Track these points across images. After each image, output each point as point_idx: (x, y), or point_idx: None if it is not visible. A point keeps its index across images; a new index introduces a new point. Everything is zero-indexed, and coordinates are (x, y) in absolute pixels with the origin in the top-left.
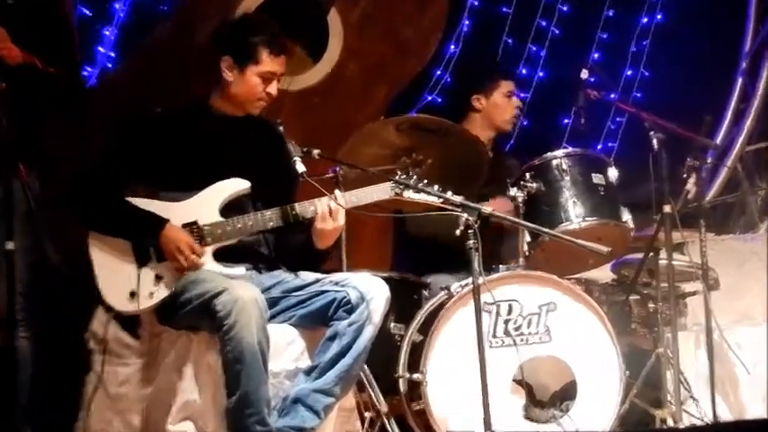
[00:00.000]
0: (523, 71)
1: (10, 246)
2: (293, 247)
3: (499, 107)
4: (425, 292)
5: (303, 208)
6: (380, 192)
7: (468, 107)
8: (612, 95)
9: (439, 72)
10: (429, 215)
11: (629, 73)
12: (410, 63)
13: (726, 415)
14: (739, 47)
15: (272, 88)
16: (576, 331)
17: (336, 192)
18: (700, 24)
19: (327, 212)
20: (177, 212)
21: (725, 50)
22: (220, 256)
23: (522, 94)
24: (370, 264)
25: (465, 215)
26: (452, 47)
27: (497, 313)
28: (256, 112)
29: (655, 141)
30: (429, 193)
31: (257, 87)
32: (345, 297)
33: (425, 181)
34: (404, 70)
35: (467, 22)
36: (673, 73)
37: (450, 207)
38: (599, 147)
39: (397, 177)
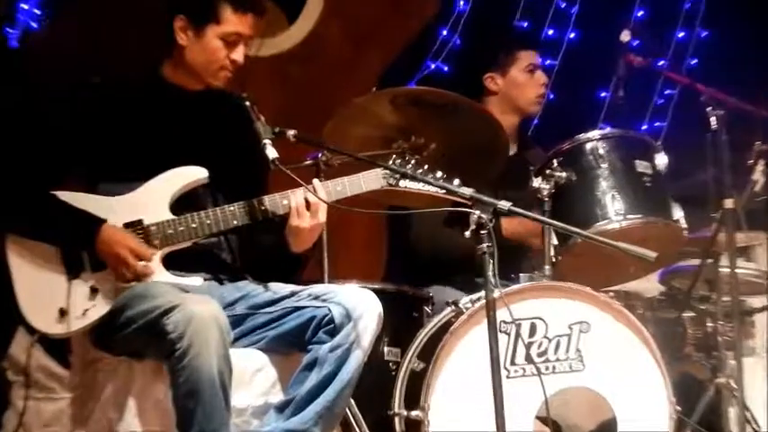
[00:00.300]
0: (550, 32)
1: None
2: (262, 252)
3: (520, 85)
4: (427, 309)
5: (274, 202)
6: (370, 181)
7: (483, 89)
8: (661, 62)
9: (445, 33)
10: (432, 212)
11: (681, 35)
12: (409, 21)
13: None
14: None
15: (238, 54)
16: (614, 357)
17: (315, 182)
18: None
19: (304, 207)
20: (117, 209)
21: None
22: (171, 263)
23: (547, 62)
24: (359, 273)
25: (477, 212)
26: (462, 1)
27: (517, 335)
28: (218, 85)
29: (713, 120)
30: (431, 184)
31: (219, 53)
32: (327, 315)
33: (426, 168)
34: (401, 30)
35: None
36: (737, 33)
37: (458, 201)
38: (644, 127)
39: (390, 164)
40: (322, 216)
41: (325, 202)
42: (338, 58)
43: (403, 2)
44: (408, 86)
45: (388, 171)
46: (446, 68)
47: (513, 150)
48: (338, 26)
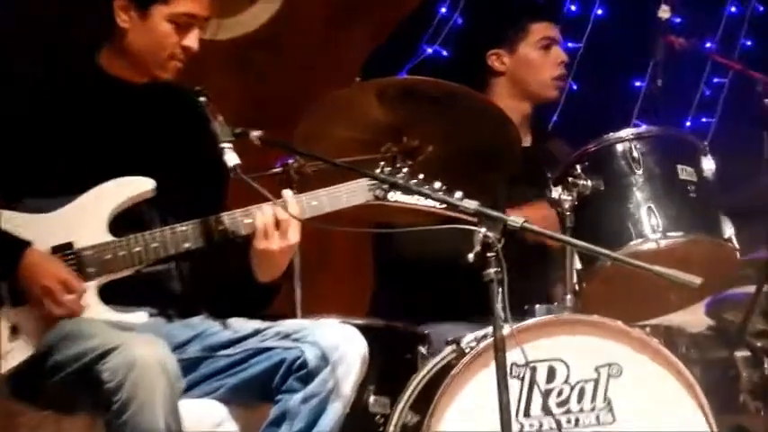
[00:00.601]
0: (573, 8)
1: None
2: (221, 282)
3: (532, 64)
4: (423, 349)
5: (235, 221)
6: (354, 194)
7: (486, 70)
8: (708, 44)
9: (444, 10)
10: (428, 230)
11: (732, 9)
12: None
13: None
14: None
15: (191, 39)
16: (651, 407)
17: (286, 194)
18: None
19: (272, 226)
20: (44, 229)
21: None
22: (110, 295)
23: (569, 44)
24: (339, 305)
25: (483, 230)
26: None
27: (532, 380)
28: (167, 77)
29: None
30: (428, 196)
31: (167, 38)
32: (300, 357)
33: (422, 177)
34: (391, 7)
35: None
36: None
37: (460, 217)
38: (688, 124)
39: (378, 172)
40: (294, 236)
41: (298, 219)
42: (314, 42)
43: None
44: (400, 76)
45: (374, 181)
46: (445, 53)
47: (526, 143)
48: (314, 2)
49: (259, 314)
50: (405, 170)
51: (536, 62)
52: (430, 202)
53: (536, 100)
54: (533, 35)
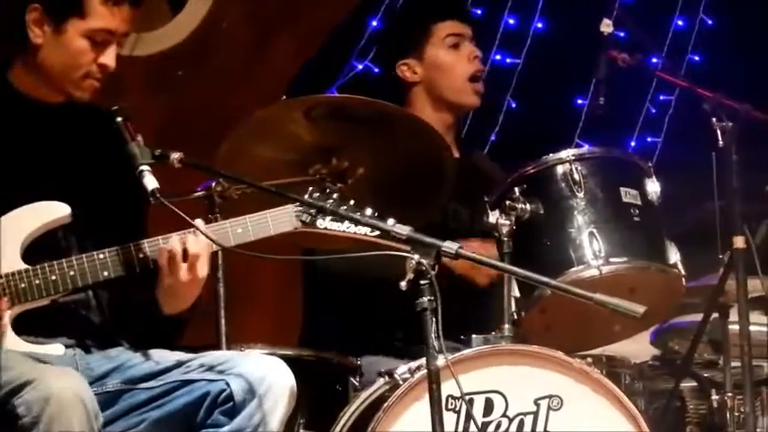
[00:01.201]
0: (511, 21)
1: None
2: (139, 311)
3: (442, 66)
4: (355, 381)
5: (156, 248)
6: (279, 221)
7: (402, 83)
8: (654, 60)
9: (375, 23)
10: (359, 257)
11: (679, 23)
12: (329, 6)
13: None
14: None
15: (108, 57)
16: None
17: (198, 223)
18: None
19: (179, 257)
20: None
21: None
22: (24, 326)
23: (508, 60)
24: (267, 336)
25: (415, 256)
26: None
27: (469, 413)
28: (83, 96)
29: (719, 134)
30: (358, 223)
31: (83, 56)
32: (225, 390)
33: (352, 203)
34: (319, 19)
35: None
36: (750, 23)
37: (391, 244)
38: (633, 143)
39: (306, 197)
40: (202, 269)
41: (222, 247)
42: (237, 58)
43: None
44: (329, 95)
45: (302, 207)
46: (377, 69)
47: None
48: (237, 15)
49: (175, 344)
50: (335, 195)
51: (446, 63)
52: (361, 229)
53: (456, 109)
54: (438, 35)
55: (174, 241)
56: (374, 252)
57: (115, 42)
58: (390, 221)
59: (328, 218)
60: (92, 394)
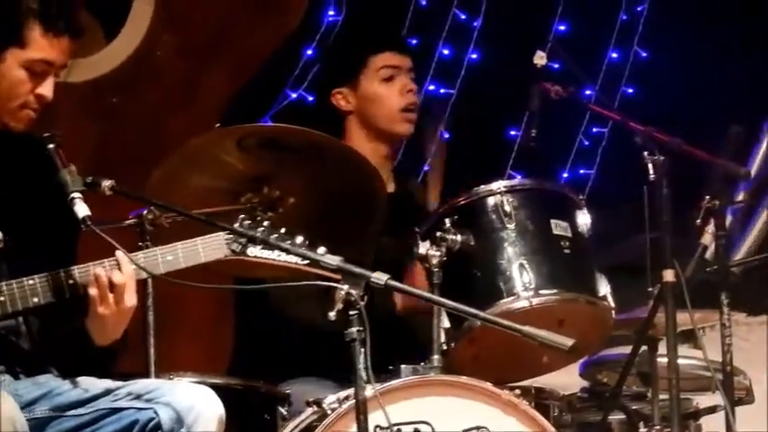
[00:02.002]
0: (445, 51)
1: None
2: (69, 340)
3: (376, 98)
4: (283, 410)
5: (86, 275)
6: (209, 248)
7: (336, 112)
8: (587, 92)
9: (310, 52)
10: (289, 287)
11: (614, 56)
12: (263, 35)
13: None
14: None
15: (47, 88)
16: None
17: (119, 254)
18: None
19: (106, 287)
20: None
21: None
22: None
23: (441, 90)
24: (196, 364)
25: (345, 287)
26: (332, 11)
27: None
28: (18, 127)
29: (651, 167)
30: (289, 252)
31: (21, 86)
32: (154, 419)
33: (283, 231)
34: (253, 47)
35: None
36: (685, 56)
37: (322, 274)
38: (565, 175)
39: (236, 225)
40: (130, 299)
41: (151, 275)
42: (171, 86)
43: (257, 10)
44: (262, 123)
45: (232, 235)
46: (311, 98)
47: (390, 189)
48: (172, 44)
49: (105, 372)
50: (266, 223)
51: (380, 95)
52: (291, 258)
53: (389, 138)
54: (373, 66)
55: (100, 271)
56: (304, 282)
57: (53, 73)
58: (321, 250)
59: (259, 246)
60: (23, 418)
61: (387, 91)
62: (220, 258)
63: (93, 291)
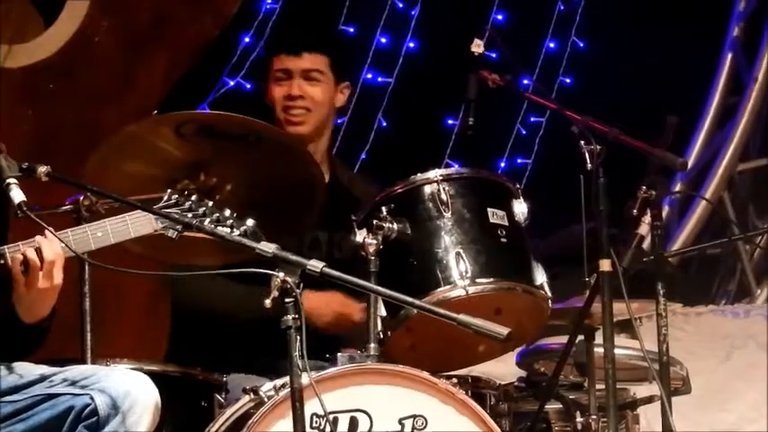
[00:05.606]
0: (383, 40)
1: None
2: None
3: (271, 98)
4: (220, 397)
5: (16, 254)
6: (138, 224)
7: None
8: (525, 81)
9: (248, 40)
10: (223, 274)
11: (551, 45)
12: (200, 24)
13: None
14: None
15: None
16: None
17: (47, 233)
18: None
19: (35, 264)
20: None
21: (706, 12)
22: None
23: (379, 79)
24: (133, 350)
25: (280, 274)
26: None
27: None
28: None
29: (588, 156)
30: (223, 239)
31: None
32: (89, 405)
33: (217, 216)
34: (191, 35)
35: None
36: (622, 46)
37: (253, 244)
38: (502, 165)
39: (165, 199)
40: (58, 275)
41: (78, 255)
42: (109, 73)
43: None
44: (199, 110)
45: (160, 213)
46: (249, 86)
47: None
48: (109, 30)
49: (32, 357)
50: (194, 197)
51: (272, 97)
52: (224, 230)
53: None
54: (272, 68)
55: (29, 248)
56: (239, 269)
57: None
58: (250, 222)
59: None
60: None
61: (276, 94)
62: (150, 233)
63: (20, 267)
